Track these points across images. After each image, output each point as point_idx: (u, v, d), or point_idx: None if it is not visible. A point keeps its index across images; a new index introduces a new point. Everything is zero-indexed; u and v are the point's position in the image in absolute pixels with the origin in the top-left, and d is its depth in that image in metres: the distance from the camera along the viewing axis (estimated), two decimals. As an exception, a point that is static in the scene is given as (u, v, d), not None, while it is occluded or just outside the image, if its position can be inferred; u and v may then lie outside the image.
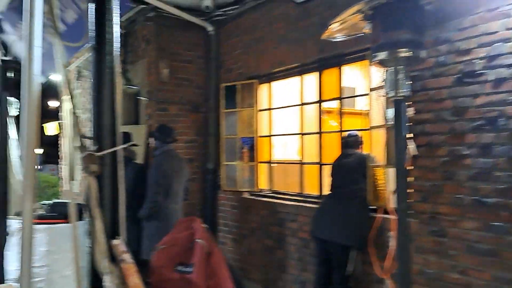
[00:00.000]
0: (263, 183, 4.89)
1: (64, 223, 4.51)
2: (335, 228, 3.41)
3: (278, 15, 4.52)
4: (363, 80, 4.75)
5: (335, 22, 1.90)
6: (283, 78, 4.76)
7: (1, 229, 4.20)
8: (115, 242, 1.61)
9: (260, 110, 4.88)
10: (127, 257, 1.41)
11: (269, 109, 4.92)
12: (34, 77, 1.76)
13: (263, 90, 4.92)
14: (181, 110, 5.39)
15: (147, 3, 4.81)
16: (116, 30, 1.77)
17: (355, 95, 4.82)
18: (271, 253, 4.51)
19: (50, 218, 5.21)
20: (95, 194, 1.62)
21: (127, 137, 3.96)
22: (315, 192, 4.22)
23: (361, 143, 3.74)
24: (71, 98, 1.67)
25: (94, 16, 1.75)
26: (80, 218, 4.94)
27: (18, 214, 4.72)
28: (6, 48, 3.33)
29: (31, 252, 1.76)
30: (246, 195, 4.98)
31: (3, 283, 4.10)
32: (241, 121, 4.97)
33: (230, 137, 5.08)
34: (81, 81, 7.58)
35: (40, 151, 11.06)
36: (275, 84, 4.90)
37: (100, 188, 1.71)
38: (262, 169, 4.89)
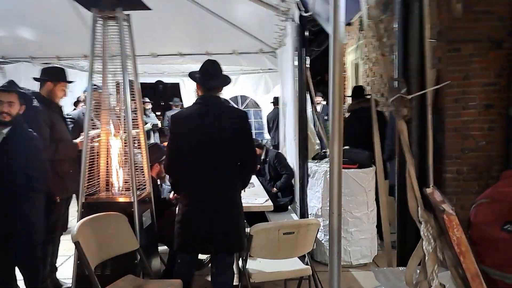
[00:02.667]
0: None
1: (354, 168, 4.73)
2: None
3: None
4: None
5: None
6: None
7: (303, 171, 4.86)
8: (428, 190, 1.50)
9: None
10: (448, 207, 1.28)
11: None
12: (340, 29, 1.78)
13: None
14: (477, 48, 4.67)
15: None
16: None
17: None
18: None
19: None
20: (406, 139, 1.54)
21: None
22: None
23: None
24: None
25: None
26: (369, 164, 5.07)
27: (314, 158, 5.33)
28: (305, 6, 3.63)
29: (340, 191, 1.87)
30: None
31: (307, 217, 4.76)
32: None
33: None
34: (363, 31, 7.69)
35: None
36: None
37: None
38: None
